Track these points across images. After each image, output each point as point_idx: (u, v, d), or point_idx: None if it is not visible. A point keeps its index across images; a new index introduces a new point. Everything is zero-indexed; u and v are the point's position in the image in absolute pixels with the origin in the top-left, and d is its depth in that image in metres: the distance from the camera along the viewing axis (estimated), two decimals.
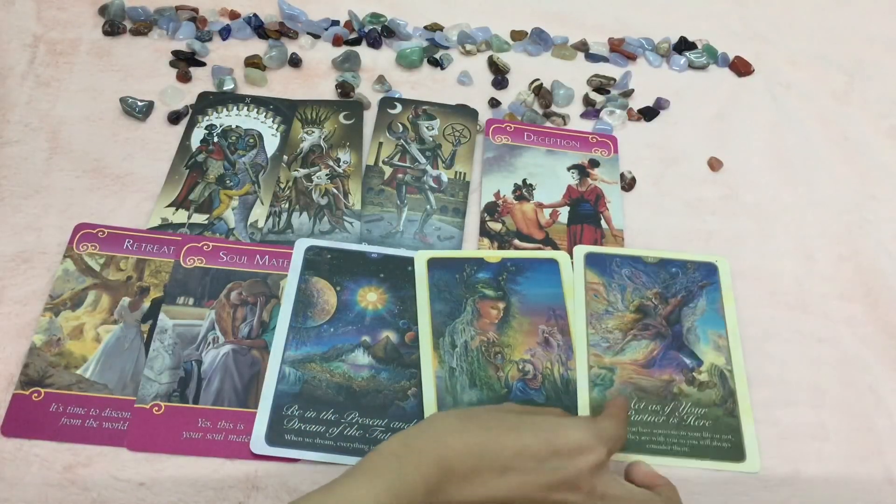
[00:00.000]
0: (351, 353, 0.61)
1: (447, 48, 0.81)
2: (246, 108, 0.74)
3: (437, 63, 0.80)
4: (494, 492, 0.47)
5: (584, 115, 0.78)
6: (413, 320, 0.62)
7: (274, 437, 0.56)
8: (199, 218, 0.67)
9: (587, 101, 0.78)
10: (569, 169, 0.73)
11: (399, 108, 0.75)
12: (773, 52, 0.85)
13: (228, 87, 0.75)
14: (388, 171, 0.71)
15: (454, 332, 0.62)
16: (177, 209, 0.67)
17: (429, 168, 0.72)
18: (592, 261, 0.67)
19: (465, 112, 0.76)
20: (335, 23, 0.82)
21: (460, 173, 0.72)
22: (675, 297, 0.65)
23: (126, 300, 0.62)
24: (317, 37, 0.81)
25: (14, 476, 0.54)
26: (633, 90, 0.80)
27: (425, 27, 0.82)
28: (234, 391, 0.58)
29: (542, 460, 0.47)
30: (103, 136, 0.71)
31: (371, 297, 0.63)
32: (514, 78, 0.80)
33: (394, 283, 0.64)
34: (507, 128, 0.75)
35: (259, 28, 0.80)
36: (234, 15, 0.82)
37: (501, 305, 0.64)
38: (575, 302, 0.64)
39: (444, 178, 0.72)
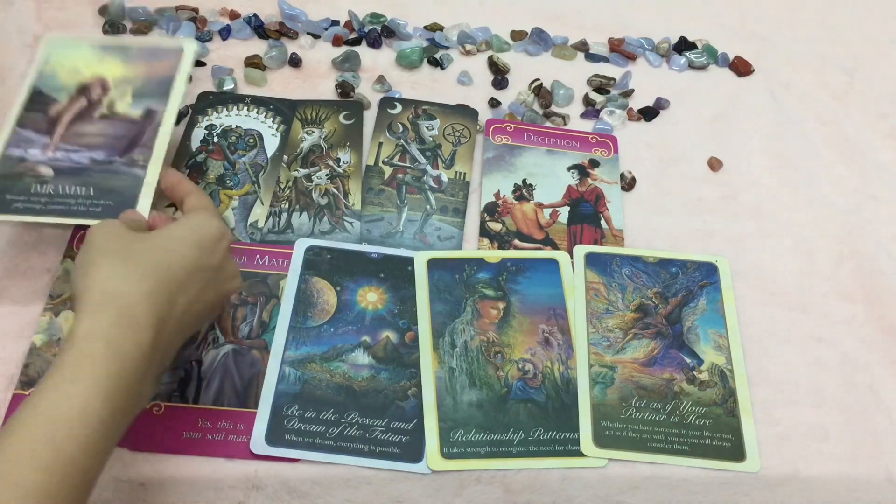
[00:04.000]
0: (351, 353, 0.61)
1: (447, 48, 0.81)
2: (246, 108, 0.74)
3: (437, 63, 0.80)
4: (188, 307, 0.49)
5: (584, 115, 0.78)
6: (413, 320, 0.62)
7: (274, 437, 0.56)
8: None
9: (587, 101, 0.78)
10: (569, 169, 0.73)
11: (399, 108, 0.75)
12: (773, 52, 0.85)
13: (228, 87, 0.75)
14: (388, 171, 0.71)
15: (454, 332, 0.62)
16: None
17: (429, 168, 0.72)
18: (593, 261, 0.67)
19: (465, 112, 0.76)
20: (335, 23, 0.82)
21: (460, 173, 0.72)
22: (675, 296, 0.65)
23: None
24: (317, 37, 0.81)
25: None
26: (633, 90, 0.80)
27: (425, 27, 0.82)
28: (234, 391, 0.58)
29: (203, 268, 0.51)
30: None
31: (371, 297, 0.63)
32: (514, 78, 0.80)
33: (394, 283, 0.64)
34: (507, 128, 0.75)
35: (259, 28, 0.80)
36: (234, 15, 0.82)
37: (501, 305, 0.64)
38: (575, 301, 0.64)
39: (444, 178, 0.72)
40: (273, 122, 0.73)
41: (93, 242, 0.49)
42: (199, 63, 0.77)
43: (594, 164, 0.73)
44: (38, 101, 0.64)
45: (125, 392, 0.44)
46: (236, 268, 0.54)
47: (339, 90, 0.76)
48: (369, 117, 0.75)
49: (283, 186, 0.69)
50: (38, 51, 0.67)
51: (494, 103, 0.77)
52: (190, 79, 0.67)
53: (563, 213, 0.70)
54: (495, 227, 0.69)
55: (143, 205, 0.59)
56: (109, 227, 0.51)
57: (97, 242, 0.49)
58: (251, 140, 0.72)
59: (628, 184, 0.73)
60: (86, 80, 0.66)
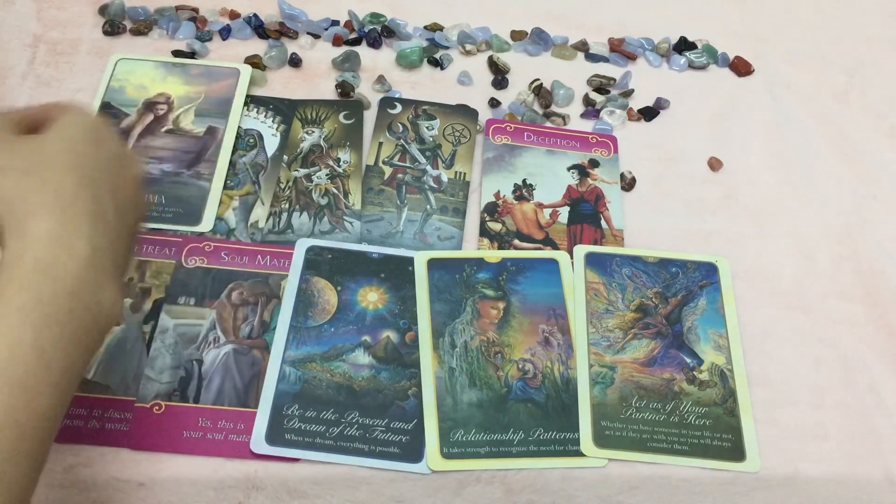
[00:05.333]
0: (351, 352, 0.61)
1: (447, 48, 0.81)
2: (246, 107, 0.74)
3: (437, 63, 0.80)
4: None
5: (584, 115, 0.78)
6: (413, 320, 0.62)
7: (274, 436, 0.56)
8: None
9: (587, 101, 0.78)
10: (569, 169, 0.73)
11: (399, 108, 0.75)
12: (773, 52, 0.85)
13: None
14: (388, 171, 0.71)
15: (454, 332, 0.62)
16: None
17: (429, 168, 0.72)
18: (592, 261, 0.67)
19: (465, 112, 0.76)
20: (335, 23, 0.82)
21: (460, 173, 0.72)
22: (675, 296, 0.65)
23: (128, 301, 0.62)
24: (317, 37, 0.81)
25: None
26: (633, 90, 0.80)
27: (425, 27, 0.82)
28: (234, 391, 0.58)
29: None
30: None
31: (371, 297, 0.64)
32: (514, 78, 0.80)
33: (394, 283, 0.64)
34: (507, 128, 0.75)
35: (259, 28, 0.80)
36: (234, 15, 0.82)
37: (501, 305, 0.64)
38: (575, 301, 0.64)
39: (444, 178, 0.72)
40: (273, 121, 0.73)
41: None
42: None
43: (594, 164, 0.73)
44: (108, 113, 0.71)
45: (67, 314, 0.38)
46: (132, 151, 0.53)
47: (339, 90, 0.76)
48: (369, 117, 0.75)
49: (283, 186, 0.69)
50: (107, 67, 0.75)
51: (494, 103, 0.77)
52: (246, 101, 0.73)
53: (563, 213, 0.70)
54: (495, 227, 0.69)
55: (209, 214, 0.66)
56: None
57: None
58: (251, 140, 0.72)
59: (628, 184, 0.73)
60: (152, 96, 0.72)
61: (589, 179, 0.72)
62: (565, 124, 0.77)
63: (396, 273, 0.65)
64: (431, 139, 0.74)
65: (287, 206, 0.68)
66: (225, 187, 0.69)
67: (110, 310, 0.41)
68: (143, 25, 0.79)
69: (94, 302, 0.40)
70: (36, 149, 0.43)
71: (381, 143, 0.73)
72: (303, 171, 0.70)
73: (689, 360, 0.62)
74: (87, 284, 0.39)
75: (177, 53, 0.77)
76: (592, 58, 0.83)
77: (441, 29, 0.82)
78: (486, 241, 0.68)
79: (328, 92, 0.77)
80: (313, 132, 0.73)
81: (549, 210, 0.70)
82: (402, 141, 0.73)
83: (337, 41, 0.80)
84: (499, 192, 0.71)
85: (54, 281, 0.38)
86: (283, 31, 0.80)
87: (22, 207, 0.40)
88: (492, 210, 0.70)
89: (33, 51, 0.76)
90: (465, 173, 0.72)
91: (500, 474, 0.57)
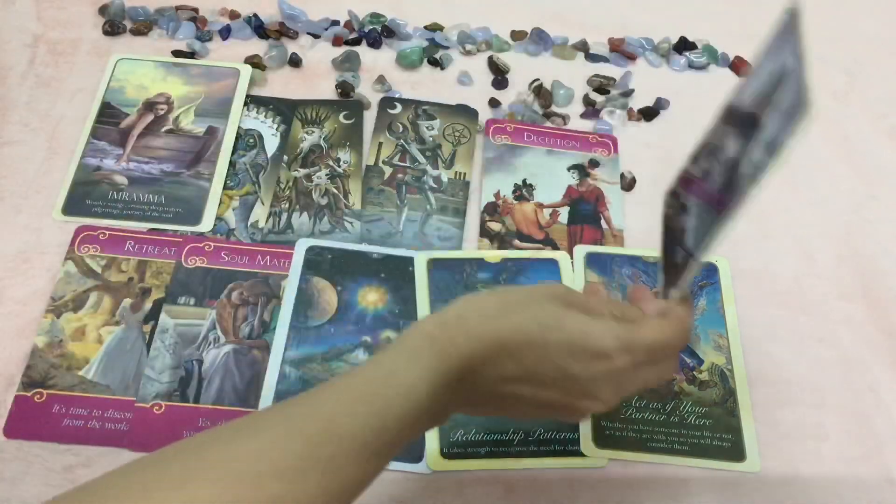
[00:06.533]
0: (352, 352, 0.61)
1: (447, 48, 0.81)
2: (246, 107, 0.74)
3: (437, 63, 0.80)
4: (516, 388, 0.45)
5: (584, 115, 0.78)
6: (414, 320, 0.62)
7: None
8: None
9: (587, 101, 0.78)
10: (569, 169, 0.73)
11: (399, 108, 0.75)
12: None
13: None
14: (388, 171, 0.71)
15: None
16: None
17: (429, 168, 0.72)
18: (593, 261, 0.67)
19: (465, 112, 0.76)
20: (335, 23, 0.82)
21: (460, 173, 0.72)
22: None
23: (128, 301, 0.62)
24: (317, 37, 0.81)
25: (14, 476, 0.54)
26: (633, 90, 0.80)
27: (425, 27, 0.82)
28: (234, 391, 0.58)
29: (564, 363, 0.44)
30: None
31: (372, 297, 0.64)
32: (514, 78, 0.80)
33: (395, 283, 0.64)
34: (508, 128, 0.75)
35: (259, 28, 0.80)
36: (234, 15, 0.82)
37: None
38: None
39: (444, 178, 0.72)
40: (273, 121, 0.73)
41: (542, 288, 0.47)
42: None
43: (594, 164, 0.73)
44: (108, 113, 0.71)
45: (442, 392, 0.43)
46: (609, 394, 0.45)
47: (339, 90, 0.76)
48: (369, 117, 0.75)
49: (283, 186, 0.69)
50: (107, 67, 0.74)
51: (494, 103, 0.77)
52: (247, 101, 0.73)
53: (563, 213, 0.70)
54: (495, 227, 0.69)
55: (209, 214, 0.66)
56: (560, 288, 0.48)
57: (544, 289, 0.47)
58: (251, 140, 0.72)
59: (628, 184, 0.73)
60: (152, 96, 0.72)
61: (589, 179, 0.72)
62: (565, 124, 0.77)
63: (396, 273, 0.65)
64: (431, 139, 0.74)
65: (287, 206, 0.68)
66: (225, 187, 0.69)
67: (439, 419, 0.46)
68: (143, 25, 0.79)
69: (445, 403, 0.44)
70: (545, 304, 0.45)
71: (381, 143, 0.73)
72: (303, 171, 0.70)
73: (689, 360, 0.62)
74: (451, 387, 0.44)
75: (177, 53, 0.77)
76: (592, 58, 0.83)
77: (441, 29, 0.82)
78: (486, 241, 0.68)
79: (328, 92, 0.77)
80: (313, 132, 0.73)
81: (549, 210, 0.70)
82: (402, 141, 0.73)
83: (337, 41, 0.80)
84: (499, 192, 0.71)
85: (448, 365, 0.43)
86: (283, 31, 0.80)
87: (466, 312, 0.45)
88: (492, 210, 0.70)
89: (33, 51, 0.76)
90: (465, 173, 0.72)
91: (500, 474, 0.57)
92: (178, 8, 0.81)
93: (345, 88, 0.76)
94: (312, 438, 0.39)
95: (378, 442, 0.41)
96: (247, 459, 0.38)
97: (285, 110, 0.74)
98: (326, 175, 0.70)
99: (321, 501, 0.39)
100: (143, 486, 0.36)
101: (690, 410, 0.60)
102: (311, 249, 0.65)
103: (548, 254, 0.67)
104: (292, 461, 0.38)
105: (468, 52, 0.81)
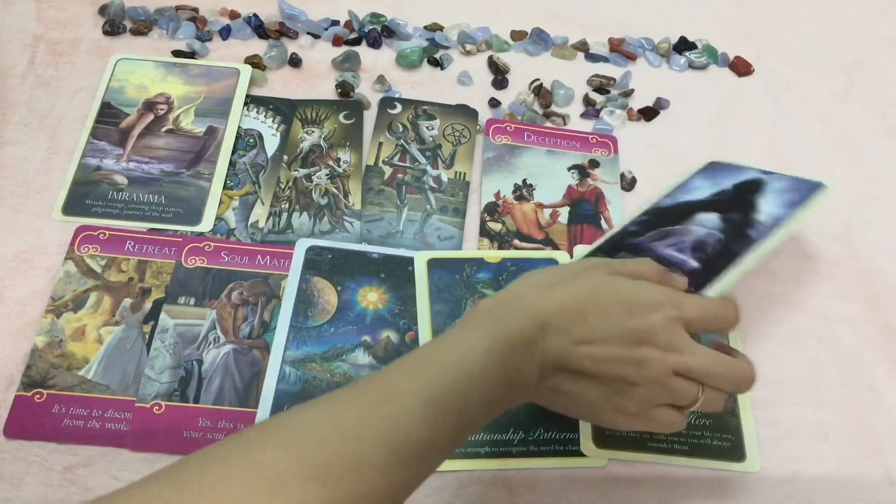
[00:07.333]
0: (351, 352, 0.61)
1: (447, 48, 0.81)
2: (246, 107, 0.74)
3: (437, 63, 0.80)
4: (585, 349, 0.47)
5: (584, 115, 0.78)
6: (414, 320, 0.62)
7: None
8: None
9: (587, 101, 0.78)
10: (569, 169, 0.73)
11: (399, 108, 0.76)
12: (773, 52, 0.85)
13: None
14: (388, 171, 0.71)
15: None
16: None
17: (429, 168, 0.72)
18: None
19: (465, 112, 0.76)
20: (335, 23, 0.82)
21: (460, 173, 0.72)
22: None
23: (128, 301, 0.62)
24: (317, 37, 0.81)
25: (14, 476, 0.54)
26: (633, 90, 0.80)
27: (425, 27, 0.82)
28: (234, 391, 0.58)
29: (622, 319, 0.47)
30: None
31: (372, 297, 0.64)
32: (514, 78, 0.80)
33: (395, 283, 0.64)
34: (508, 128, 0.75)
35: (259, 28, 0.80)
36: (234, 15, 0.82)
37: None
38: None
39: (444, 178, 0.72)
40: (273, 121, 0.73)
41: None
42: None
43: (594, 164, 0.73)
44: (108, 113, 0.71)
45: (506, 357, 0.45)
46: (668, 341, 0.48)
47: (339, 90, 0.76)
48: (369, 117, 0.75)
49: (283, 186, 0.69)
50: (107, 67, 0.75)
51: (494, 103, 0.77)
52: (247, 101, 0.73)
53: (564, 214, 0.70)
54: (495, 227, 0.69)
55: (209, 214, 0.66)
56: (609, 260, 0.54)
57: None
58: (251, 140, 0.72)
59: (629, 184, 0.73)
60: (152, 96, 0.72)
61: (589, 180, 0.72)
62: (565, 124, 0.77)
63: (396, 273, 0.65)
64: (431, 139, 0.74)
65: (287, 206, 0.68)
66: (225, 187, 0.69)
67: (523, 393, 0.47)
68: (143, 25, 0.79)
69: (521, 374, 0.46)
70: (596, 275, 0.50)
71: (381, 143, 0.73)
72: (303, 171, 0.70)
73: None
74: (517, 358, 0.46)
75: (177, 53, 0.77)
76: (592, 58, 0.83)
77: (441, 29, 0.82)
78: (486, 241, 0.68)
79: (328, 92, 0.77)
80: (313, 132, 0.73)
81: (550, 210, 0.70)
82: (402, 141, 0.73)
83: (337, 41, 0.80)
84: (499, 192, 0.71)
85: (504, 337, 0.45)
86: (283, 31, 0.80)
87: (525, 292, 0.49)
88: (492, 210, 0.70)
89: (33, 51, 0.76)
90: (465, 173, 0.72)
91: (500, 474, 0.57)
92: (178, 8, 0.81)
93: (345, 88, 0.76)
94: (372, 401, 0.41)
95: (441, 401, 0.41)
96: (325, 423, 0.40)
97: (285, 110, 0.74)
98: (326, 175, 0.70)
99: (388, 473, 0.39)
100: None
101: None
102: (311, 249, 0.65)
103: (548, 254, 0.67)
104: (356, 421, 0.40)
105: (468, 52, 0.81)
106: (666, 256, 0.55)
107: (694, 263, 0.55)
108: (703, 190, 0.63)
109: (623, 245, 0.58)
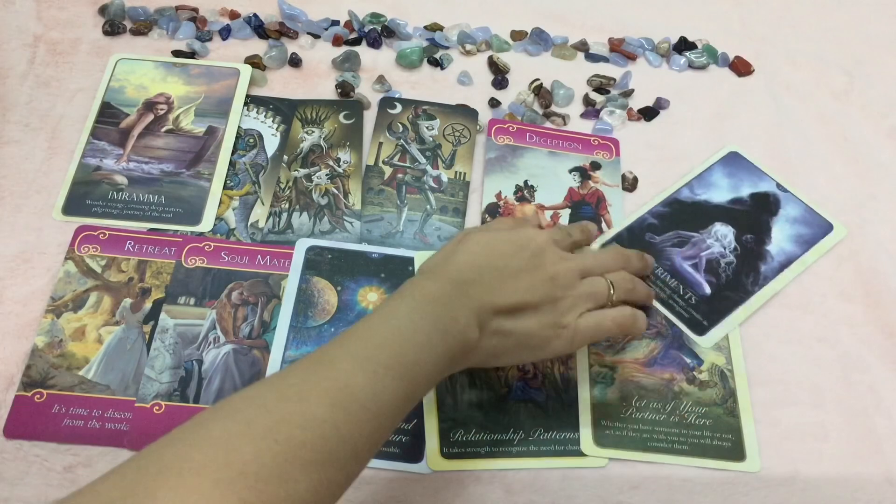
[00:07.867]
0: None
1: (447, 48, 0.81)
2: (246, 107, 0.74)
3: (437, 63, 0.80)
4: (506, 286, 0.53)
5: (584, 115, 0.78)
6: None
7: None
8: None
9: (587, 101, 0.78)
10: (570, 171, 0.73)
11: (399, 108, 0.75)
12: (773, 52, 0.85)
13: None
14: (388, 171, 0.71)
15: None
16: None
17: (429, 168, 0.72)
18: None
19: (465, 112, 0.76)
20: (335, 23, 0.82)
21: (460, 173, 0.72)
22: None
23: (128, 301, 0.62)
24: (317, 37, 0.81)
25: (14, 476, 0.54)
26: (633, 90, 0.80)
27: (425, 27, 0.82)
28: (234, 391, 0.58)
29: (518, 253, 0.55)
30: None
31: (372, 297, 0.64)
32: (514, 78, 0.80)
33: (395, 283, 0.64)
34: (510, 128, 0.75)
35: (259, 28, 0.80)
36: (234, 15, 0.82)
37: None
38: None
39: (444, 178, 0.72)
40: (273, 121, 0.73)
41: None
42: None
43: (595, 166, 0.73)
44: (108, 113, 0.71)
45: (432, 308, 0.49)
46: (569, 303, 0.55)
47: (339, 90, 0.76)
48: (369, 117, 0.75)
49: (283, 186, 0.69)
50: (107, 67, 0.75)
51: (494, 103, 0.77)
52: (247, 101, 0.74)
53: (564, 216, 0.70)
54: None
55: (209, 214, 0.66)
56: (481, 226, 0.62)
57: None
58: (251, 140, 0.72)
59: (630, 184, 0.73)
60: (152, 96, 0.72)
61: (590, 182, 0.72)
62: (565, 124, 0.77)
63: (396, 273, 0.65)
64: (431, 139, 0.74)
65: (287, 206, 0.68)
66: (225, 187, 0.69)
67: (468, 339, 0.51)
68: (143, 25, 0.79)
69: (457, 318, 0.50)
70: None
71: (381, 143, 0.73)
72: (303, 171, 0.70)
73: (689, 361, 0.62)
74: (450, 307, 0.50)
75: (177, 53, 0.77)
76: (592, 58, 0.83)
77: (441, 29, 0.82)
78: None
79: (328, 92, 0.77)
80: (313, 132, 0.73)
81: (551, 212, 0.70)
82: (402, 141, 0.73)
83: (337, 41, 0.80)
84: (500, 192, 0.71)
85: (426, 296, 0.50)
86: (283, 31, 0.80)
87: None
88: (493, 211, 0.70)
89: (33, 51, 0.76)
90: (464, 173, 0.72)
91: (500, 474, 0.57)
92: (178, 8, 0.81)
93: (345, 88, 0.76)
94: (310, 368, 0.45)
95: (379, 356, 0.45)
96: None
97: (285, 110, 0.74)
98: (326, 175, 0.70)
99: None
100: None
101: (690, 410, 0.60)
102: (311, 249, 0.65)
103: None
104: (298, 385, 0.43)
105: (468, 52, 0.81)
106: (682, 272, 0.63)
107: (707, 290, 0.64)
108: (721, 189, 0.69)
109: (643, 238, 0.65)
